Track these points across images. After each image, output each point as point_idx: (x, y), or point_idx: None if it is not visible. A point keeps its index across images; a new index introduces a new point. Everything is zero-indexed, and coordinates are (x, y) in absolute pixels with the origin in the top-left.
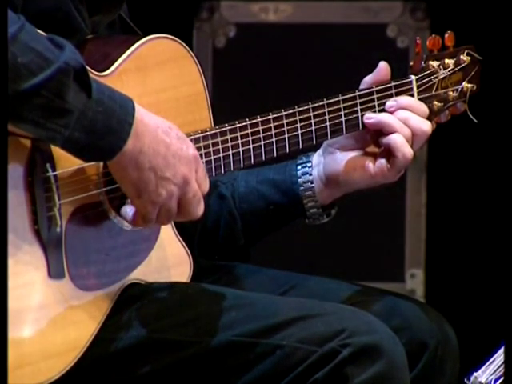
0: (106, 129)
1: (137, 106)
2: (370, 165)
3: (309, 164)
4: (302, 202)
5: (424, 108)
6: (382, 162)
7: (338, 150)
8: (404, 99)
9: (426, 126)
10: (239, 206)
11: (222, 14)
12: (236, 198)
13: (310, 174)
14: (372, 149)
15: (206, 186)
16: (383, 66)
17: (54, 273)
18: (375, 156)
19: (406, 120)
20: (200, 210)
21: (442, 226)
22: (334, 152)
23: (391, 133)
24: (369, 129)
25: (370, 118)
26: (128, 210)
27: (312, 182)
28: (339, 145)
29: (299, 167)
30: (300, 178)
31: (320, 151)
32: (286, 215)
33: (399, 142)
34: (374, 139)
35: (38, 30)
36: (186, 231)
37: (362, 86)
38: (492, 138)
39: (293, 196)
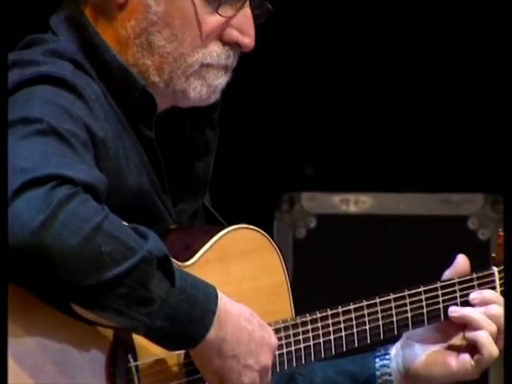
0: (188, 317)
1: (220, 294)
2: (452, 360)
3: (387, 356)
4: None
5: None
6: (466, 358)
7: (418, 343)
8: (489, 293)
9: None
10: None
11: (303, 205)
12: None
13: (389, 367)
14: (453, 342)
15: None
16: (461, 259)
17: None
18: (457, 350)
19: (494, 316)
20: None
21: None
22: (413, 345)
23: (476, 328)
24: (450, 321)
25: (455, 311)
26: None
27: (390, 375)
28: (419, 337)
29: (377, 359)
30: (378, 370)
31: (399, 343)
32: None
33: (486, 340)
34: (456, 332)
35: (123, 221)
36: None
37: (442, 279)
38: None
39: None
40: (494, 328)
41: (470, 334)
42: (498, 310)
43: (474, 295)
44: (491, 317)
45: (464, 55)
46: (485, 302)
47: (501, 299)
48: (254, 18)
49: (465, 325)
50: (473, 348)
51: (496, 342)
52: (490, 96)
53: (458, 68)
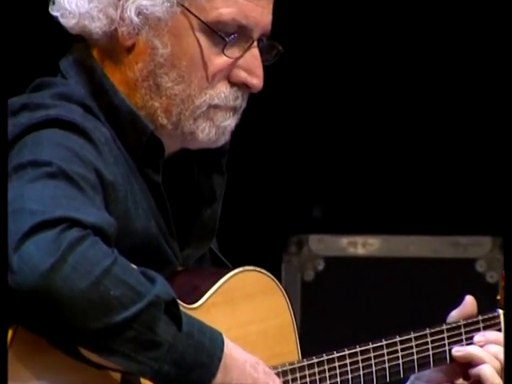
0: (195, 362)
1: (226, 340)
2: None
3: None
4: None
5: None
6: None
7: (425, 383)
8: (492, 334)
9: None
10: None
11: (311, 247)
12: None
13: None
14: (460, 382)
15: None
16: (469, 301)
17: None
18: None
19: (496, 354)
20: None
21: None
22: None
23: (479, 363)
24: (457, 362)
25: (459, 350)
26: None
27: None
28: (427, 378)
29: None
30: None
31: None
32: None
33: (489, 373)
34: (462, 372)
35: (131, 264)
36: None
37: (448, 320)
38: None
39: None
40: (497, 364)
41: (474, 370)
42: (501, 348)
43: (478, 337)
44: (494, 354)
45: (481, 92)
46: (489, 343)
47: None
48: (264, 59)
49: (470, 363)
50: (478, 383)
51: (500, 377)
52: (499, 138)
53: (471, 107)
